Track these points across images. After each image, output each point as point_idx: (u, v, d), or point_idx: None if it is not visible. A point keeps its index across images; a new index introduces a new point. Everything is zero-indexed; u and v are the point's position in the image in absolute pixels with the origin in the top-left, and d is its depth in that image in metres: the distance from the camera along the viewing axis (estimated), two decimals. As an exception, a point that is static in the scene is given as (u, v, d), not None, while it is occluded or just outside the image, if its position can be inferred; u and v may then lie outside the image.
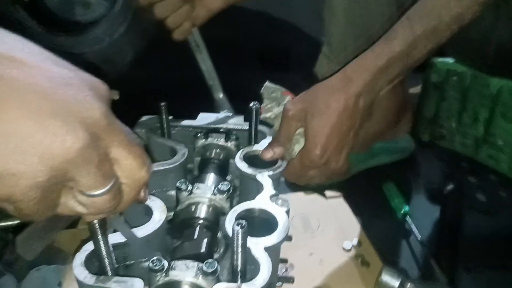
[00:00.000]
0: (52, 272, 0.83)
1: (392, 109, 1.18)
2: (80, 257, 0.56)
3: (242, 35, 0.99)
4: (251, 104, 0.78)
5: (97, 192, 0.38)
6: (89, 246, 0.57)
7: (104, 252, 0.53)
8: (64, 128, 0.33)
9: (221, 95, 1.01)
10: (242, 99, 1.06)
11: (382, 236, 1.04)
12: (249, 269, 0.57)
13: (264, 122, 0.83)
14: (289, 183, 1.03)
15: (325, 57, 1.10)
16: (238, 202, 0.77)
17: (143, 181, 0.43)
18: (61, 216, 0.41)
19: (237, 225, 0.51)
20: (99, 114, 0.36)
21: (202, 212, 0.68)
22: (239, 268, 0.54)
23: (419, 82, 1.48)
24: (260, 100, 0.84)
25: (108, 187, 0.39)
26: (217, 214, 0.69)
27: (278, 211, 0.62)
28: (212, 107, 0.99)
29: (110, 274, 0.56)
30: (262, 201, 0.65)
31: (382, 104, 0.80)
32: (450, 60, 1.34)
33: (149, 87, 1.75)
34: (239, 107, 1.05)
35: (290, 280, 0.71)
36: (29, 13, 1.64)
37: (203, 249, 0.61)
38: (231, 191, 0.70)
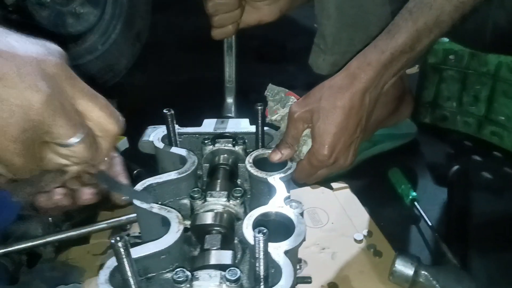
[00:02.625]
0: (70, 291, 0.84)
1: (393, 95, 1.18)
2: (104, 275, 0.57)
3: (238, 31, 1.00)
4: (256, 106, 0.79)
5: (71, 141, 0.43)
6: (111, 262, 0.58)
7: (128, 272, 0.54)
8: (29, 84, 0.38)
9: (231, 100, 1.02)
10: (241, 93, 1.08)
11: (392, 224, 1.05)
12: (270, 273, 0.58)
13: (270, 124, 0.84)
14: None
15: (319, 49, 1.10)
16: (249, 205, 0.78)
17: (113, 132, 0.47)
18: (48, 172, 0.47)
19: (259, 232, 0.52)
20: (55, 68, 0.41)
21: (217, 219, 0.69)
22: (261, 274, 0.55)
23: (416, 63, 1.49)
24: (259, 95, 0.85)
25: (81, 136, 0.43)
26: (231, 220, 0.70)
27: (294, 214, 0.63)
28: (213, 110, 1.00)
29: (134, 289, 0.58)
30: (277, 205, 0.65)
31: (383, 92, 0.81)
32: (445, 40, 1.34)
33: (147, 92, 1.76)
34: (239, 101, 1.07)
35: (307, 280, 0.72)
36: (19, 30, 1.63)
37: (228, 260, 0.61)
38: (244, 196, 0.71)
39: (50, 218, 0.93)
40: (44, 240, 0.87)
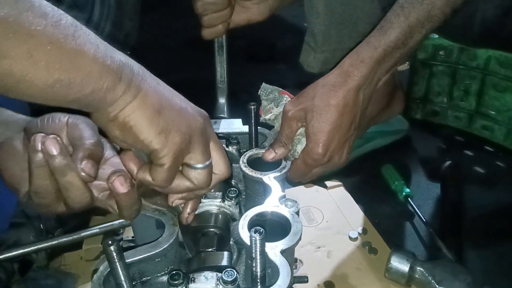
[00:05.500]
0: (63, 298, 0.83)
1: (384, 92, 1.18)
2: (98, 279, 0.57)
3: (228, 30, 0.99)
4: (249, 105, 0.79)
5: (201, 165, 0.56)
6: (104, 267, 0.58)
7: (122, 276, 0.53)
8: (197, 113, 0.57)
9: (223, 100, 1.01)
10: (233, 94, 1.08)
11: (386, 221, 1.05)
12: (267, 273, 0.57)
13: (263, 124, 0.83)
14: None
15: (309, 47, 1.10)
16: (245, 206, 0.78)
17: (225, 174, 0.61)
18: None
19: (255, 232, 0.52)
20: (208, 117, 0.60)
21: (212, 220, 0.68)
22: (258, 274, 0.55)
23: (407, 59, 1.49)
24: (250, 96, 0.85)
25: (208, 163, 0.57)
26: (227, 221, 0.70)
27: (289, 213, 0.63)
28: (205, 111, 0.99)
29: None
30: (272, 204, 0.65)
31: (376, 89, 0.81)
32: (435, 35, 1.34)
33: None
34: (231, 102, 1.06)
35: (304, 279, 0.72)
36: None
37: (224, 261, 0.61)
38: (239, 197, 0.70)
39: (41, 225, 0.91)
40: (37, 247, 0.85)
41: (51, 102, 0.47)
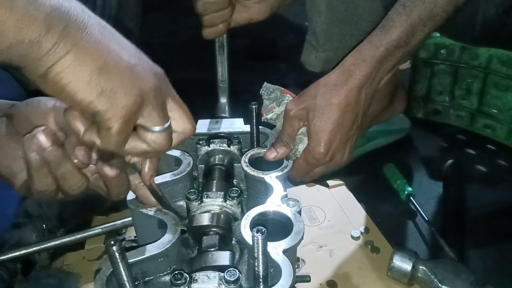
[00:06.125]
0: (66, 298, 0.83)
1: (386, 91, 1.18)
2: (100, 280, 0.57)
3: (229, 30, 0.99)
4: (250, 105, 0.79)
5: (158, 128, 0.51)
6: (107, 267, 0.58)
7: (124, 276, 0.53)
8: (150, 71, 0.51)
9: (225, 100, 1.01)
10: (234, 93, 1.08)
11: (389, 220, 1.06)
12: (269, 272, 0.57)
13: (265, 123, 0.83)
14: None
15: (311, 46, 1.10)
16: (246, 205, 0.78)
17: (189, 132, 0.56)
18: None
19: (257, 232, 0.52)
20: (163, 74, 0.53)
21: (214, 220, 0.68)
22: (261, 274, 0.55)
23: (408, 58, 1.49)
24: (252, 95, 0.85)
25: (166, 125, 0.52)
26: (229, 220, 0.69)
27: (291, 213, 0.63)
28: (206, 111, 0.99)
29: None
30: (274, 204, 0.65)
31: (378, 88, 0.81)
32: (436, 34, 1.34)
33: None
34: (232, 101, 1.06)
35: (306, 279, 0.72)
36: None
37: (226, 261, 0.61)
38: (241, 196, 0.70)
39: (44, 225, 0.92)
40: (39, 247, 0.86)
41: None
